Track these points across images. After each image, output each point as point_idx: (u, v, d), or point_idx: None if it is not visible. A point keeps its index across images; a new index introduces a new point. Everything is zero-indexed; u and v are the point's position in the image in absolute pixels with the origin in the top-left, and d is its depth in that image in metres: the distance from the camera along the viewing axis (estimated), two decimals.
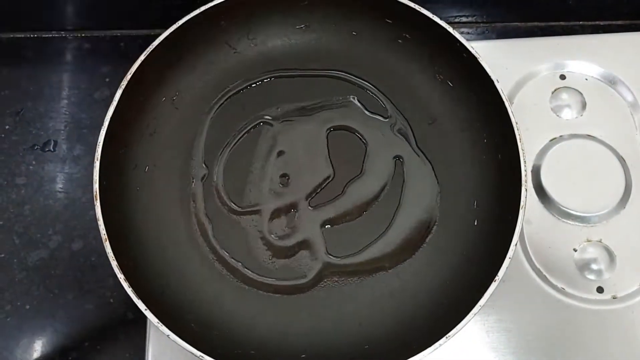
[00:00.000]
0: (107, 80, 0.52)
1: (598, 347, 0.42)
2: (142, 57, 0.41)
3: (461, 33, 0.42)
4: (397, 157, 0.45)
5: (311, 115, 0.46)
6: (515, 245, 0.36)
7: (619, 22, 0.55)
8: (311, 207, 0.43)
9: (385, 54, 0.46)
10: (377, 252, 0.42)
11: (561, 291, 0.43)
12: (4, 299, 0.45)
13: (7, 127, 0.50)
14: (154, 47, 0.41)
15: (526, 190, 0.38)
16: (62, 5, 0.51)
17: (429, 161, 0.44)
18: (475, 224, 0.41)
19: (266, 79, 0.47)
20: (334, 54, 0.47)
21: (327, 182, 0.44)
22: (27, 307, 0.45)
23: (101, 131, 0.39)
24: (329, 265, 0.42)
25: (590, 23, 0.55)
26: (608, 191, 0.45)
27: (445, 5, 0.53)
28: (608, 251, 0.44)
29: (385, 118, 0.46)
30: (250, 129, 0.45)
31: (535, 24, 0.55)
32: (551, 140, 0.47)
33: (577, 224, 0.45)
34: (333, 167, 0.44)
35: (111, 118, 0.39)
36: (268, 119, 0.46)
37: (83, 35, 0.53)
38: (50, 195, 0.48)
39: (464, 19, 0.55)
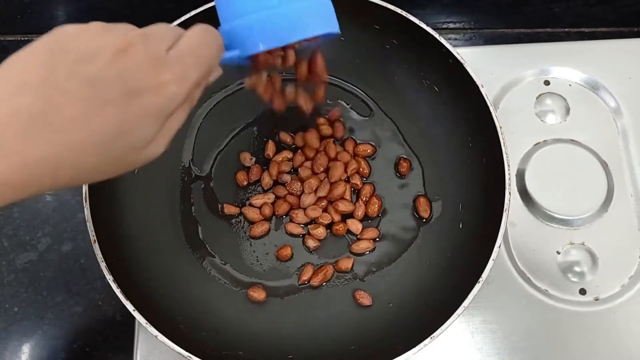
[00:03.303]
0: None
1: (581, 347, 0.42)
2: None
3: (449, 39, 0.43)
4: (385, 160, 0.45)
5: (301, 118, 0.46)
6: (499, 247, 0.37)
7: (604, 30, 0.55)
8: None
9: (373, 59, 0.46)
10: (364, 254, 0.43)
11: (545, 293, 0.44)
12: None
13: None
14: None
15: (510, 193, 0.38)
16: (54, 9, 0.51)
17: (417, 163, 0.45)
18: (460, 226, 0.42)
19: None
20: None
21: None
22: (16, 309, 0.45)
23: None
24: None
25: (575, 30, 0.55)
26: (591, 195, 0.46)
27: (434, 12, 0.54)
28: (591, 254, 0.45)
29: (373, 122, 0.46)
30: (240, 131, 0.46)
31: (522, 30, 0.55)
32: (535, 144, 0.48)
33: (560, 227, 0.45)
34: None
35: None
36: (258, 122, 0.46)
37: None
38: (40, 198, 0.48)
39: (451, 25, 0.55)
